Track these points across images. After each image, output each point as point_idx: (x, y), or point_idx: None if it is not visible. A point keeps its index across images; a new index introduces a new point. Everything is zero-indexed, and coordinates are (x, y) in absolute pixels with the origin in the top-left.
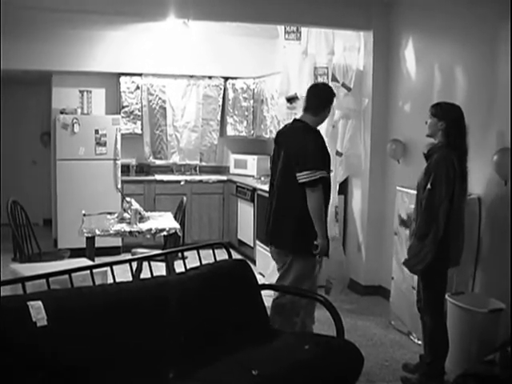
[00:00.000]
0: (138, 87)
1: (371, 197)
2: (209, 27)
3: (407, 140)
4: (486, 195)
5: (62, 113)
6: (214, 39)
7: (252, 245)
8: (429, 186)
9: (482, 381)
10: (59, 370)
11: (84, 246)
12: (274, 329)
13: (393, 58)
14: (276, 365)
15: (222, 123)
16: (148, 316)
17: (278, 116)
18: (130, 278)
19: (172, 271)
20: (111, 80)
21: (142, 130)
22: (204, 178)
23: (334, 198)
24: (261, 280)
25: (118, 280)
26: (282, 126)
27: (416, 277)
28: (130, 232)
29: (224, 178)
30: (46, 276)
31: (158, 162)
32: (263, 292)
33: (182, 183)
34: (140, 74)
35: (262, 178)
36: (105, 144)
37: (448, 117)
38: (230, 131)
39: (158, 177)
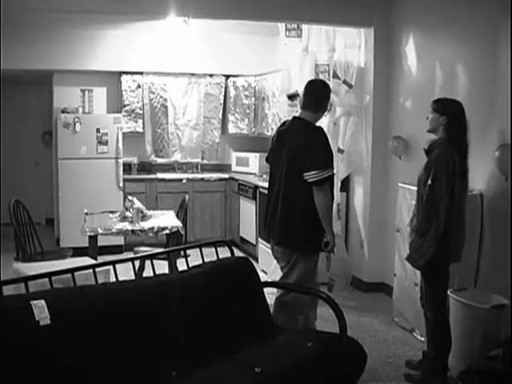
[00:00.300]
0: (139, 86)
1: (373, 194)
2: (209, 25)
3: (409, 136)
4: (488, 191)
5: (63, 112)
6: (214, 37)
7: (254, 242)
8: (429, 181)
9: (485, 377)
10: (63, 369)
11: (86, 244)
12: (276, 326)
13: (394, 54)
14: (279, 362)
15: (224, 121)
16: (151, 314)
17: (280, 113)
18: (133, 277)
19: (174, 269)
20: (112, 79)
21: (143, 128)
22: (206, 176)
23: (336, 195)
24: (263, 277)
25: (120, 279)
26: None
27: (419, 273)
28: (133, 231)
29: (226, 175)
30: (49, 275)
31: (160, 161)
32: (266, 289)
33: (184, 181)
34: (141, 73)
35: (264, 176)
36: (106, 143)
37: (449, 112)
38: (231, 129)
39: (160, 175)
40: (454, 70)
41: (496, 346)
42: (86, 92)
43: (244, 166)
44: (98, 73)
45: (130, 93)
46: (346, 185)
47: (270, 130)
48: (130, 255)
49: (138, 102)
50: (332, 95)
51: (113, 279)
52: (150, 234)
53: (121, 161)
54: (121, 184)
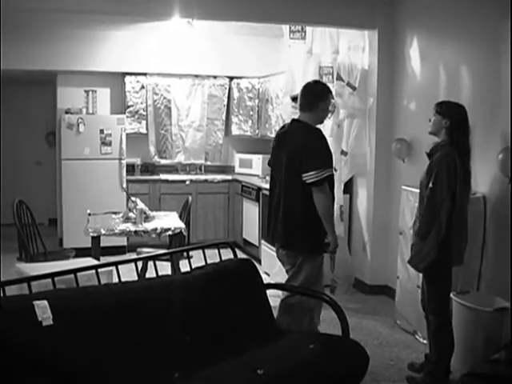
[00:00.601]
0: (142, 87)
1: (376, 196)
2: (213, 27)
3: (412, 139)
4: (491, 194)
5: (67, 113)
6: (218, 39)
7: (257, 244)
8: (430, 184)
9: (487, 380)
10: (65, 369)
11: (89, 245)
12: (279, 328)
13: (398, 56)
14: (281, 364)
15: (227, 123)
16: (153, 316)
17: (283, 115)
18: (136, 278)
19: (177, 271)
20: (116, 80)
21: (147, 129)
22: (209, 177)
23: (340, 197)
24: (266, 279)
25: (123, 279)
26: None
27: (421, 276)
28: (136, 231)
29: (229, 177)
30: (52, 275)
31: (163, 162)
32: (268, 291)
33: (187, 183)
34: (145, 74)
35: (267, 178)
36: (110, 144)
37: (452, 115)
38: (234, 131)
39: (163, 176)
40: (458, 73)
41: (498, 349)
42: (90, 93)
43: (247, 168)
44: (101, 74)
45: (134, 94)
46: (349, 187)
47: (274, 131)
48: (133, 256)
49: (141, 103)
50: (335, 97)
51: (115, 280)
52: (153, 235)
53: (124, 162)
54: (124, 185)
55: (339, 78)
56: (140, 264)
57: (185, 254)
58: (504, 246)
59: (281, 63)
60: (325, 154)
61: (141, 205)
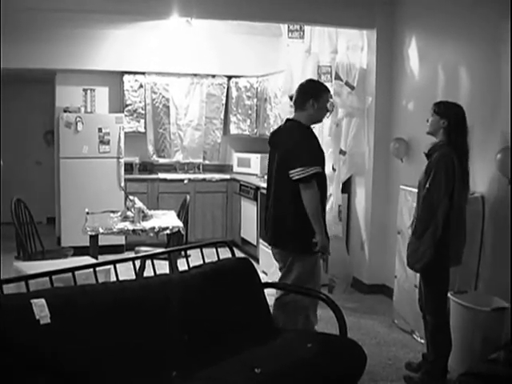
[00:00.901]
0: (141, 86)
1: (375, 195)
2: (212, 26)
3: (410, 139)
4: (490, 194)
5: (65, 111)
6: (217, 38)
7: (255, 243)
8: (427, 184)
9: (484, 380)
10: (63, 368)
11: (87, 244)
12: (276, 327)
13: (396, 56)
14: (278, 363)
15: (226, 122)
16: (151, 314)
17: (282, 114)
18: (134, 277)
19: (175, 269)
20: (115, 78)
21: (145, 128)
22: (207, 176)
23: (338, 196)
24: (264, 278)
25: (121, 278)
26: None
27: (419, 275)
28: (134, 230)
29: (227, 176)
30: (50, 274)
31: (162, 161)
32: (266, 290)
33: (186, 182)
34: (143, 73)
35: (265, 177)
36: (108, 142)
37: (450, 115)
38: (233, 130)
39: (162, 175)
40: (457, 73)
41: (496, 349)
42: (89, 91)
43: (245, 167)
44: (100, 72)
45: (132, 93)
46: (347, 186)
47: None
48: (131, 255)
49: (140, 102)
50: (334, 96)
51: (113, 279)
52: (151, 234)
53: (122, 160)
54: (122, 184)
55: (338, 77)
56: (138, 263)
57: (183, 252)
58: (502, 245)
59: (279, 62)
60: (312, 151)
61: (139, 204)
